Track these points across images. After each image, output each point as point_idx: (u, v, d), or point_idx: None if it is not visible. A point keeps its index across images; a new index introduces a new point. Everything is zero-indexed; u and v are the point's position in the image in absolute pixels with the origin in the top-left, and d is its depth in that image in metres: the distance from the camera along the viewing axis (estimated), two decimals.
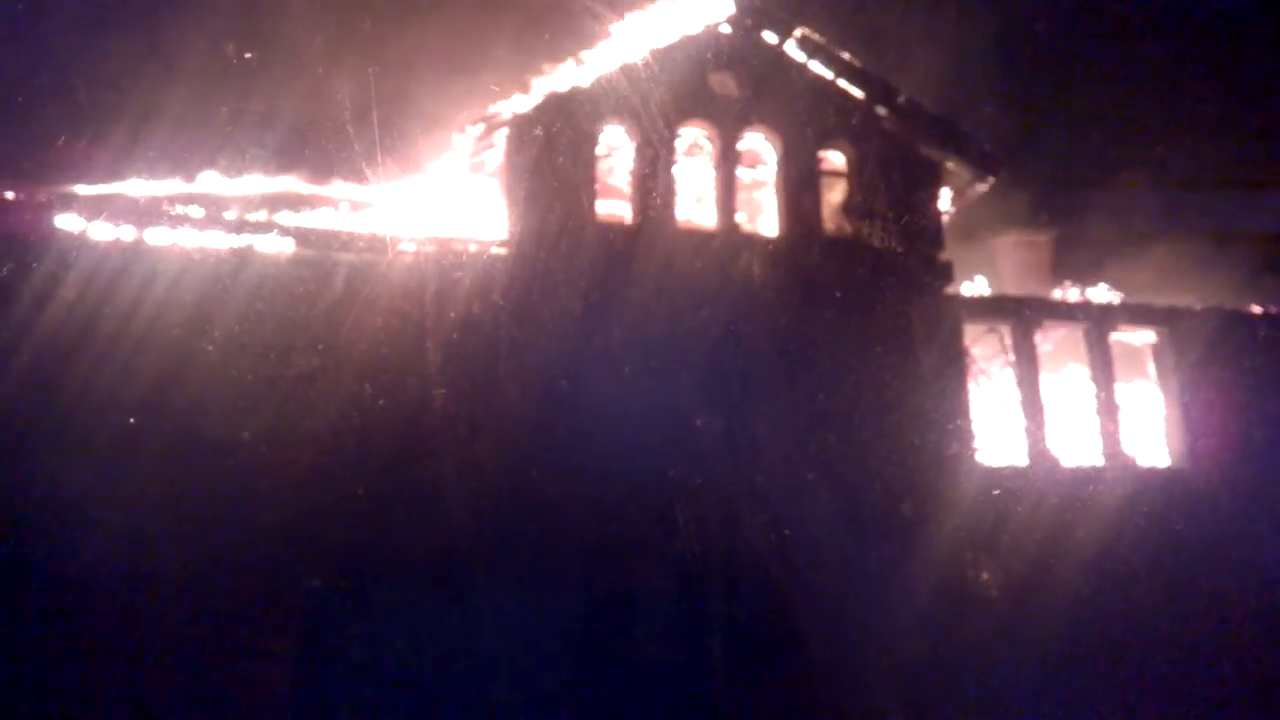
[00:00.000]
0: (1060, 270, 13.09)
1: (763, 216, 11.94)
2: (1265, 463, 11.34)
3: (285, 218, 10.06)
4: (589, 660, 9.40)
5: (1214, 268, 13.62)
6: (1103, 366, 11.55)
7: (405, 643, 9.06)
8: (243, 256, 9.71)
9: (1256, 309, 12.19)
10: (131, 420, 8.93)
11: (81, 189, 9.76)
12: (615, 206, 11.53)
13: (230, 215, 9.88)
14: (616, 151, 11.29)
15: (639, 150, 11.06)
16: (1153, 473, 11.33)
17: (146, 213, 9.63)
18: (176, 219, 9.67)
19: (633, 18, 11.17)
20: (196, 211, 9.82)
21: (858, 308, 11.00)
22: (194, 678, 8.75)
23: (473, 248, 10.38)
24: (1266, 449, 11.39)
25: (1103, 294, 11.85)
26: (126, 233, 9.50)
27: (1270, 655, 10.60)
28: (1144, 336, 11.88)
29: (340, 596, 9.17)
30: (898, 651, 9.78)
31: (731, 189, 11.23)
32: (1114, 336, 11.70)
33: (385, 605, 9.18)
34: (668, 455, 9.90)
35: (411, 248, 10.16)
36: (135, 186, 10.11)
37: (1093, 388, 11.51)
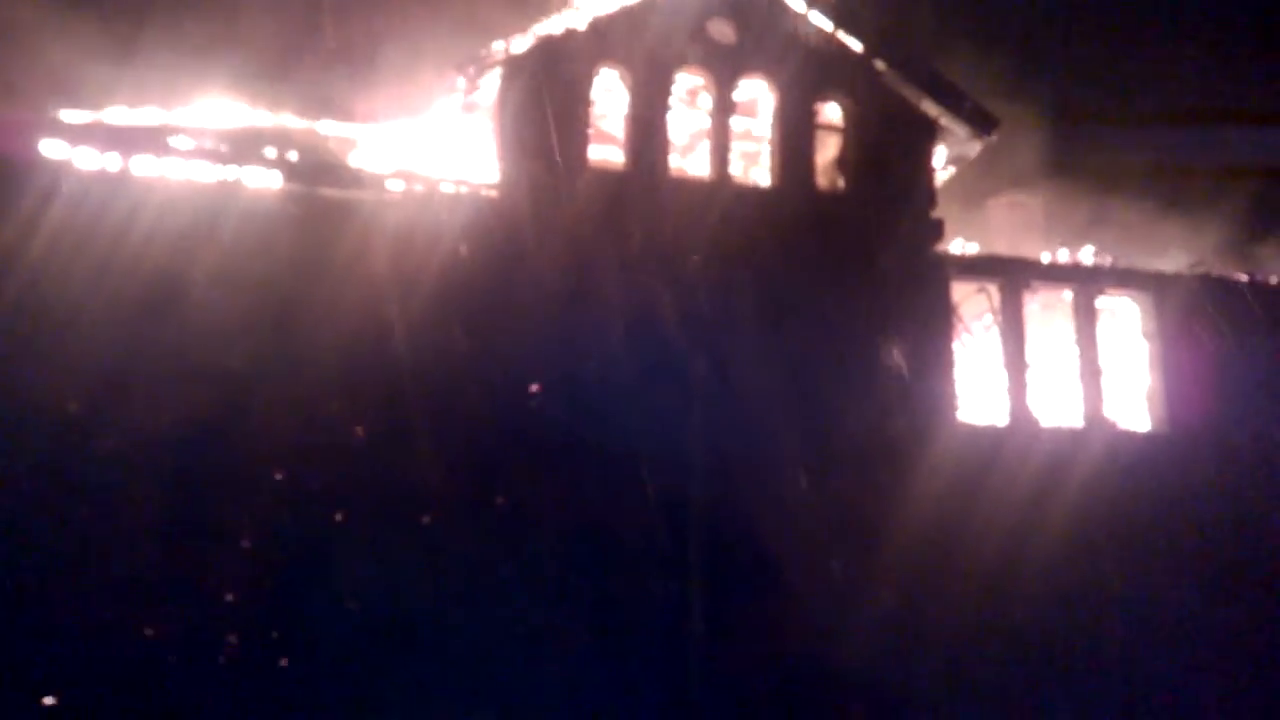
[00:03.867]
0: (1050, 232, 13.14)
1: (756, 168, 11.88)
2: (1245, 430, 11.47)
3: (274, 152, 9.92)
4: (565, 598, 9.49)
5: (1202, 233, 13.73)
6: (1088, 329, 11.63)
7: (389, 581, 9.11)
8: (230, 190, 9.60)
9: (1242, 276, 12.26)
10: (116, 351, 8.87)
11: (66, 114, 9.60)
12: (608, 152, 11.44)
13: (218, 147, 9.73)
14: (611, 97, 11.18)
15: (634, 96, 10.95)
16: (1132, 436, 11.45)
17: (133, 141, 9.49)
18: (163, 149, 9.53)
19: None
20: (184, 142, 9.68)
21: (848, 262, 11.00)
22: (164, 610, 8.76)
23: (462, 190, 10.30)
24: (1247, 416, 11.51)
25: (1090, 257, 11.88)
26: (112, 161, 9.36)
27: (1247, 618, 10.80)
28: (1130, 300, 11.93)
29: (319, 533, 9.17)
30: (873, 603, 9.93)
31: (726, 139, 11.15)
32: (1100, 300, 11.75)
33: (367, 543, 9.21)
34: (653, 401, 9.93)
35: (400, 187, 10.08)
36: (121, 114, 9.95)
37: (1077, 350, 11.59)
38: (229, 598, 8.87)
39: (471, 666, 9.12)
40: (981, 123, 11.65)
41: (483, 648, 9.14)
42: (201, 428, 8.95)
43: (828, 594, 9.91)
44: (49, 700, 8.37)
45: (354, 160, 10.42)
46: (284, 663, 8.87)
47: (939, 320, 11.16)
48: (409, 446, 9.38)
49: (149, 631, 8.66)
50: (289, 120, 10.49)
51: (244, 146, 9.85)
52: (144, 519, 8.76)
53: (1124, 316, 12.01)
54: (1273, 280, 12.37)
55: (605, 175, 10.86)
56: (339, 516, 9.20)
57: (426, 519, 9.32)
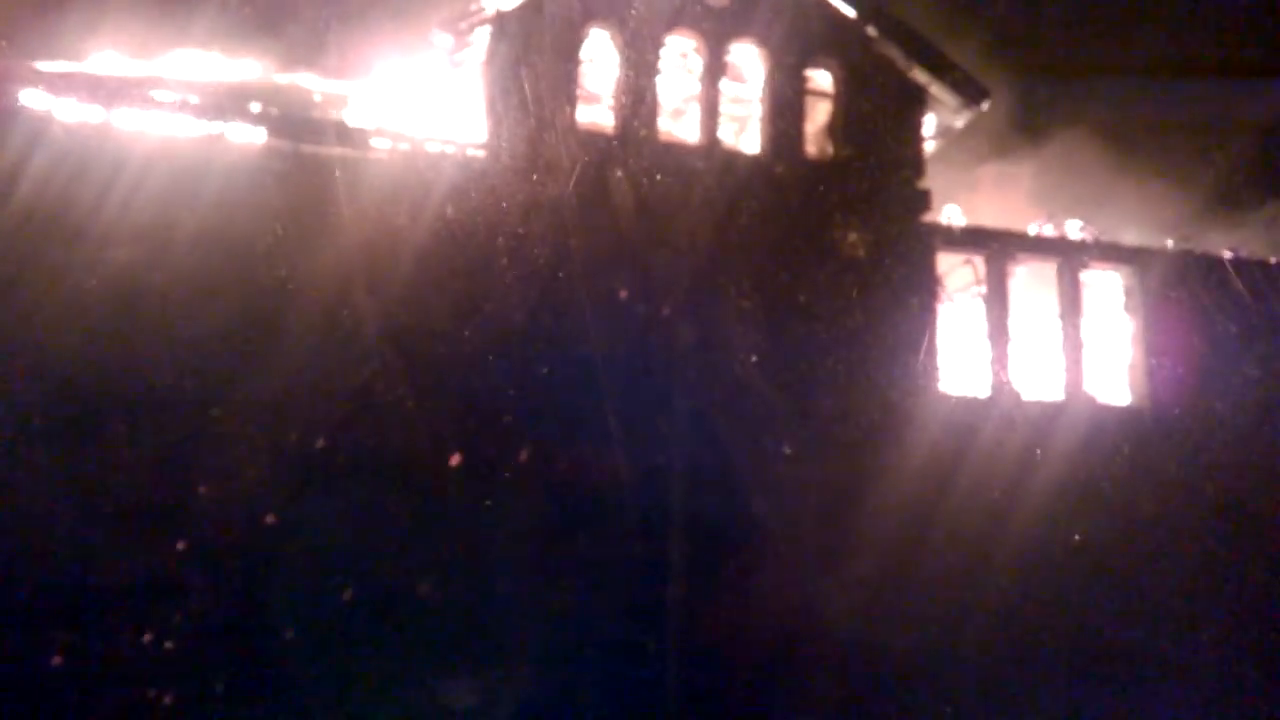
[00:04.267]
0: (1037, 204, 13.15)
1: (745, 134, 11.81)
2: (1224, 405, 11.58)
3: (258, 106, 9.79)
4: (544, 569, 9.53)
5: (1185, 208, 13.81)
6: (1071, 302, 11.67)
7: (369, 547, 9.12)
8: (214, 144, 9.47)
9: (1226, 253, 12.31)
10: (97, 310, 8.79)
11: (46, 64, 9.43)
12: (597, 114, 11.34)
13: (201, 101, 9.59)
14: (600, 57, 11.06)
15: (623, 57, 10.84)
16: (1113, 410, 11.54)
17: (115, 93, 9.33)
18: (146, 101, 9.39)
19: None
20: (167, 95, 9.54)
21: (835, 230, 10.98)
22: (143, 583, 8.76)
23: (449, 149, 10.20)
24: (1226, 391, 11.62)
25: (1075, 230, 11.90)
26: (94, 113, 9.22)
27: (1227, 589, 10.97)
28: (1113, 274, 11.98)
29: (298, 498, 9.15)
30: (853, 572, 10.03)
31: (716, 103, 11.07)
32: (1084, 273, 11.79)
33: (348, 510, 9.19)
34: (638, 366, 9.95)
35: (387, 145, 9.97)
36: (102, 64, 9.79)
37: (1060, 323, 11.64)
38: (207, 567, 8.86)
39: (450, 639, 9.16)
40: (972, 92, 11.61)
41: (461, 621, 9.17)
42: (182, 390, 8.91)
43: (810, 565, 10.01)
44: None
45: (340, 117, 10.29)
46: (261, 636, 8.86)
47: (924, 291, 11.18)
48: (391, 409, 9.36)
49: (131, 600, 8.65)
50: (274, 75, 10.35)
51: (228, 101, 9.73)
52: (128, 475, 8.74)
53: (1107, 290, 12.06)
54: (1255, 255, 12.46)
55: (593, 137, 10.76)
56: (318, 480, 9.17)
57: (409, 483, 9.31)
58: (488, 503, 9.47)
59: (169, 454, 8.86)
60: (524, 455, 9.65)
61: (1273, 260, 12.48)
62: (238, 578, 8.95)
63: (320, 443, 9.24)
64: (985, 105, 11.67)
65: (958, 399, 11.06)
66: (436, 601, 9.13)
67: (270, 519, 9.01)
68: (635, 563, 9.77)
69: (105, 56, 9.89)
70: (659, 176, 10.58)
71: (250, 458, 9.04)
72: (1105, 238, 12.01)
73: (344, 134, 9.88)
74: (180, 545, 8.83)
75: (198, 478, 8.90)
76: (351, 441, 9.32)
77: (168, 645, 8.69)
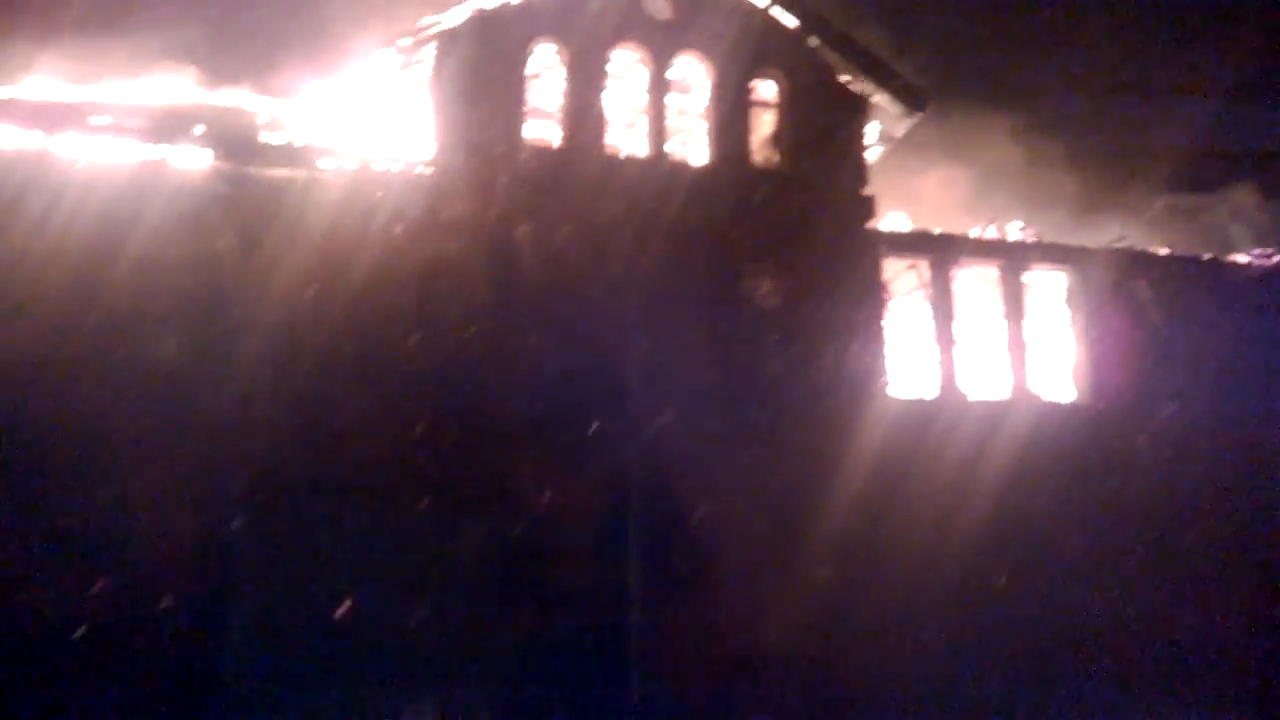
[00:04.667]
0: (980, 208, 13.39)
1: (692, 145, 11.92)
2: (1164, 400, 11.87)
3: (202, 129, 9.72)
4: (505, 588, 9.55)
5: (1122, 208, 14.15)
6: (1014, 303, 11.91)
7: (327, 568, 9.08)
8: (156, 169, 9.40)
9: (1161, 250, 12.63)
10: (39, 340, 8.67)
11: None
12: (544, 129, 11.40)
13: (143, 125, 9.51)
14: (547, 72, 11.12)
15: (570, 71, 10.91)
16: (1057, 408, 11.79)
17: (53, 119, 9.23)
18: (85, 127, 9.29)
19: None
20: (106, 120, 9.44)
21: (782, 238, 11.12)
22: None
23: (397, 167, 10.20)
24: (1166, 386, 11.90)
25: (1016, 233, 12.14)
26: (32, 139, 9.10)
27: (1169, 581, 11.23)
28: (1055, 275, 12.23)
29: (251, 519, 9.09)
30: (809, 576, 10.17)
31: (662, 115, 11.18)
32: (1026, 275, 12.03)
33: (303, 530, 9.14)
34: (588, 380, 10.01)
35: (334, 164, 9.95)
36: (40, 90, 9.66)
37: (1004, 324, 11.87)
38: (152, 587, 8.76)
39: (408, 662, 9.13)
40: (912, 100, 11.82)
41: (419, 643, 9.14)
42: (127, 416, 8.81)
43: (766, 572, 10.12)
44: None
45: (285, 137, 10.25)
46: (216, 659, 8.81)
47: (871, 295, 11.35)
48: (342, 431, 9.33)
49: (75, 632, 8.54)
50: (217, 97, 10.28)
51: (169, 124, 9.64)
52: (63, 502, 8.63)
53: (1050, 291, 12.31)
54: (1189, 252, 12.80)
55: (541, 152, 10.83)
56: (267, 505, 9.10)
57: (362, 505, 9.28)
58: (443, 524, 9.45)
59: (111, 479, 8.74)
60: (476, 474, 9.66)
61: (1206, 256, 12.85)
62: (192, 600, 8.87)
63: (269, 466, 9.16)
64: (923, 113, 11.86)
65: (907, 401, 11.25)
66: (393, 625, 9.10)
67: (219, 544, 8.94)
68: (592, 574, 9.81)
69: (42, 82, 9.76)
70: (608, 189, 10.64)
71: (195, 482, 8.96)
72: (1046, 239, 12.28)
73: (289, 154, 9.84)
74: (127, 570, 8.73)
75: (138, 504, 8.79)
76: (301, 464, 9.27)
77: (117, 673, 8.60)
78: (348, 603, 9.05)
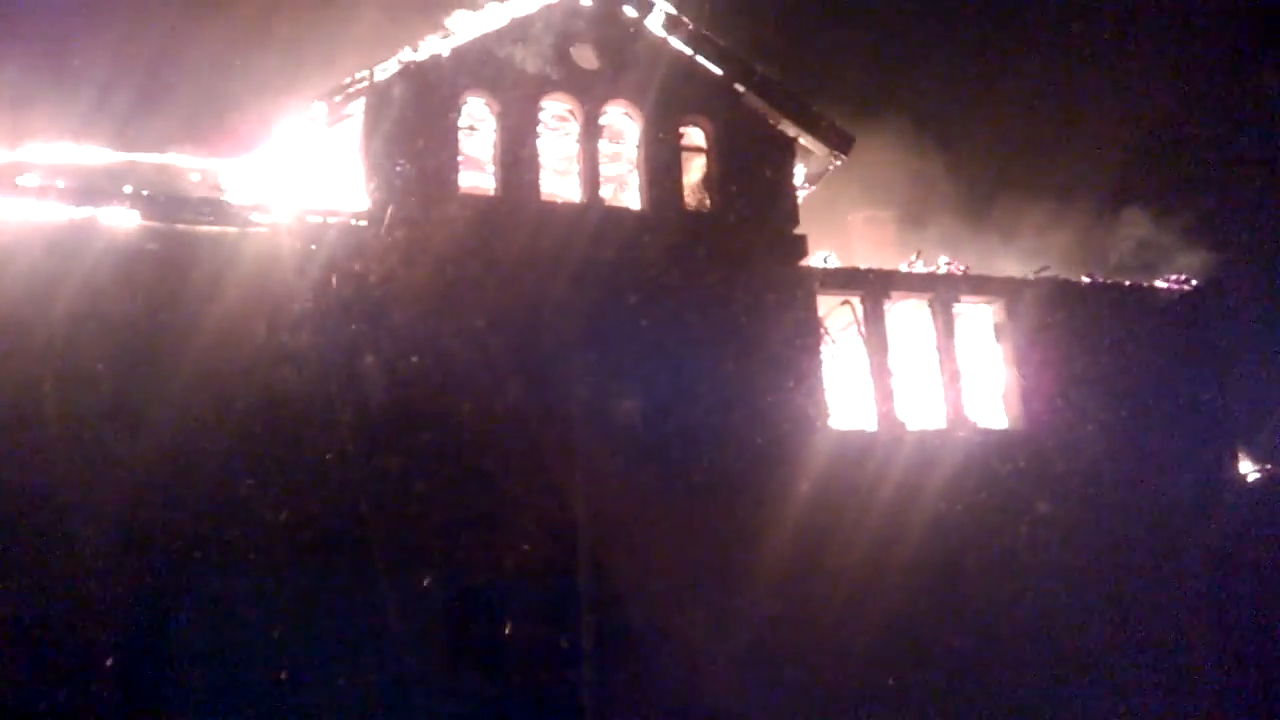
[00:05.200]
0: (907, 243, 13.74)
1: (626, 190, 12.11)
2: (1091, 423, 12.24)
3: (131, 188, 9.64)
4: (453, 643, 9.43)
5: (1052, 238, 14.62)
6: (946, 334, 12.22)
7: (261, 625, 8.88)
8: (84, 229, 9.29)
9: (1085, 279, 13.06)
10: None
11: None
12: (479, 178, 11.50)
13: (71, 185, 9.41)
14: (479, 123, 11.25)
15: (501, 121, 11.05)
16: (991, 434, 12.07)
17: None
18: (11, 188, 9.16)
19: None
20: (33, 180, 9.33)
21: (717, 280, 11.29)
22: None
23: (330, 220, 10.19)
24: (1092, 410, 12.29)
25: (945, 266, 12.48)
26: None
27: (1099, 601, 11.53)
28: (983, 306, 12.59)
29: (184, 581, 8.90)
30: (750, 609, 10.21)
31: (595, 162, 11.36)
32: (956, 306, 12.36)
33: (233, 589, 8.95)
34: (530, 427, 10.01)
35: (267, 219, 9.92)
36: None
37: (937, 355, 12.16)
38: (83, 641, 8.52)
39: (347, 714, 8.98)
40: (838, 141, 12.15)
41: (364, 701, 8.98)
42: (53, 474, 8.63)
43: (710, 611, 10.14)
44: None
45: (217, 194, 10.20)
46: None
47: (807, 332, 11.56)
48: (280, 488, 9.19)
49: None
50: (146, 155, 10.21)
51: (99, 183, 9.55)
52: None
53: (979, 320, 12.66)
54: (1111, 279, 13.25)
55: (476, 201, 10.91)
56: (201, 565, 8.91)
57: (293, 559, 9.10)
58: (388, 582, 9.32)
59: (34, 545, 8.52)
60: (417, 530, 9.57)
61: (1126, 282, 13.32)
62: (124, 666, 8.62)
63: (202, 526, 9.00)
64: (848, 154, 12.19)
65: (846, 433, 11.44)
66: (336, 687, 8.91)
67: (148, 608, 8.72)
68: (538, 634, 9.70)
69: None
70: (543, 236, 10.73)
71: (125, 545, 8.76)
72: (974, 271, 12.63)
73: (221, 211, 9.79)
74: (57, 638, 8.48)
75: (63, 570, 8.57)
76: (236, 523, 9.11)
77: None
78: (286, 666, 8.84)
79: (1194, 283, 13.27)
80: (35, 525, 8.61)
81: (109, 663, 8.58)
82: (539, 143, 11.18)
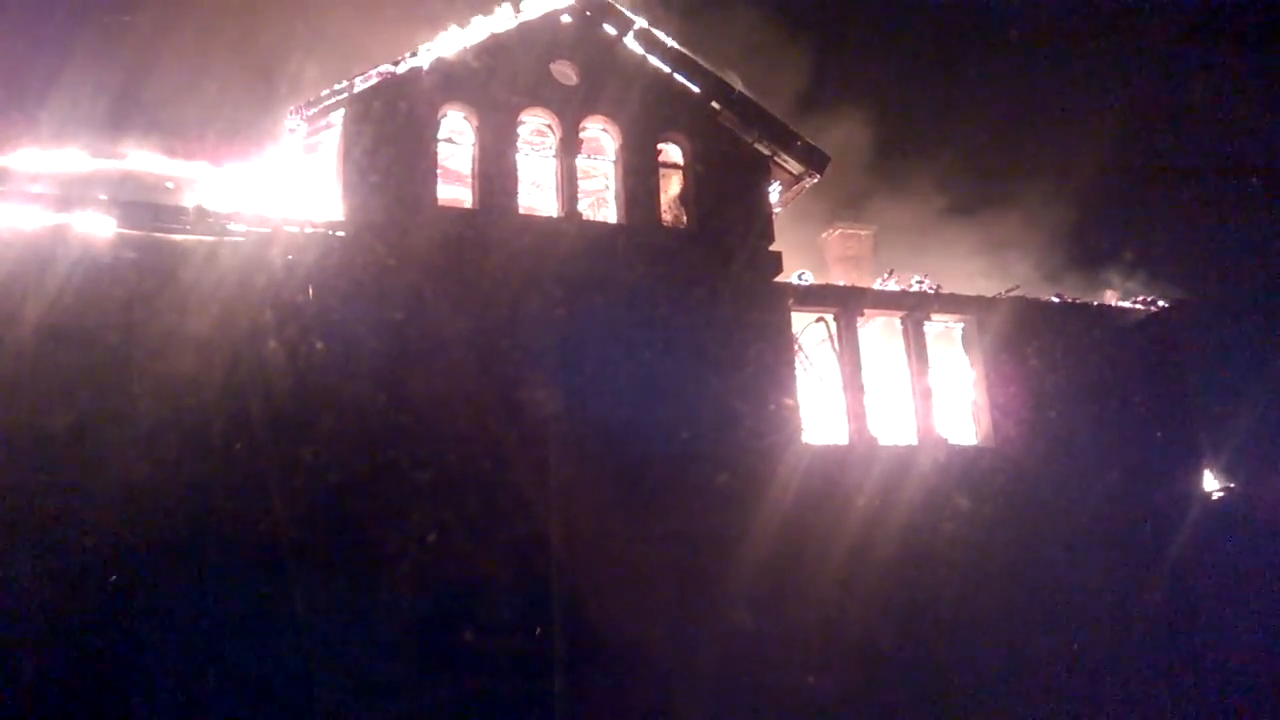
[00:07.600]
0: (880, 261, 13.92)
1: (603, 205, 12.20)
2: (1059, 438, 12.44)
3: (107, 196, 9.63)
4: (426, 652, 9.43)
5: (1023, 257, 14.87)
6: (918, 351, 12.38)
7: (233, 634, 8.85)
8: (59, 235, 9.27)
9: (1054, 298, 13.27)
10: None
11: None
12: (457, 192, 11.56)
13: (46, 191, 9.39)
14: (458, 136, 11.32)
15: (480, 135, 11.12)
16: (961, 450, 12.22)
17: None
18: None
19: (475, 2, 11.21)
20: (9, 188, 9.31)
21: (693, 296, 11.38)
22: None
23: (308, 230, 10.21)
24: (1060, 426, 12.49)
25: (918, 284, 12.64)
26: None
27: (1063, 611, 11.68)
28: (955, 323, 12.77)
29: (160, 587, 8.86)
30: (723, 619, 10.28)
31: (573, 177, 11.44)
32: (928, 324, 12.52)
33: (207, 597, 8.92)
34: (505, 440, 10.05)
35: (244, 229, 9.92)
36: None
37: (909, 371, 12.32)
38: (61, 656, 8.48)
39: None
40: (812, 159, 12.29)
41: (328, 704, 8.96)
42: (29, 487, 8.58)
43: (679, 614, 10.20)
44: None
45: (193, 202, 10.20)
46: None
47: (781, 347, 11.67)
48: (256, 494, 9.18)
49: None
50: (124, 163, 10.20)
51: (75, 190, 9.54)
52: None
53: (950, 337, 12.84)
54: (1078, 298, 13.48)
55: (454, 214, 10.97)
56: (176, 573, 8.87)
57: (266, 568, 9.08)
58: (363, 588, 9.33)
59: (15, 549, 8.47)
60: (392, 536, 9.57)
61: (1095, 302, 13.54)
62: (97, 671, 8.57)
63: (176, 530, 8.97)
64: (823, 172, 12.33)
65: (819, 447, 11.55)
66: (311, 694, 8.89)
67: (126, 613, 8.68)
68: (511, 633, 9.73)
69: None
70: (520, 249, 10.79)
71: (101, 551, 8.72)
72: (946, 290, 12.81)
73: (199, 219, 9.78)
74: (30, 644, 8.43)
75: (44, 575, 8.53)
76: (212, 528, 9.09)
77: None
78: (258, 675, 8.81)
79: (1161, 303, 13.53)
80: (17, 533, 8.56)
81: (73, 676, 8.51)
82: (518, 157, 11.26)
